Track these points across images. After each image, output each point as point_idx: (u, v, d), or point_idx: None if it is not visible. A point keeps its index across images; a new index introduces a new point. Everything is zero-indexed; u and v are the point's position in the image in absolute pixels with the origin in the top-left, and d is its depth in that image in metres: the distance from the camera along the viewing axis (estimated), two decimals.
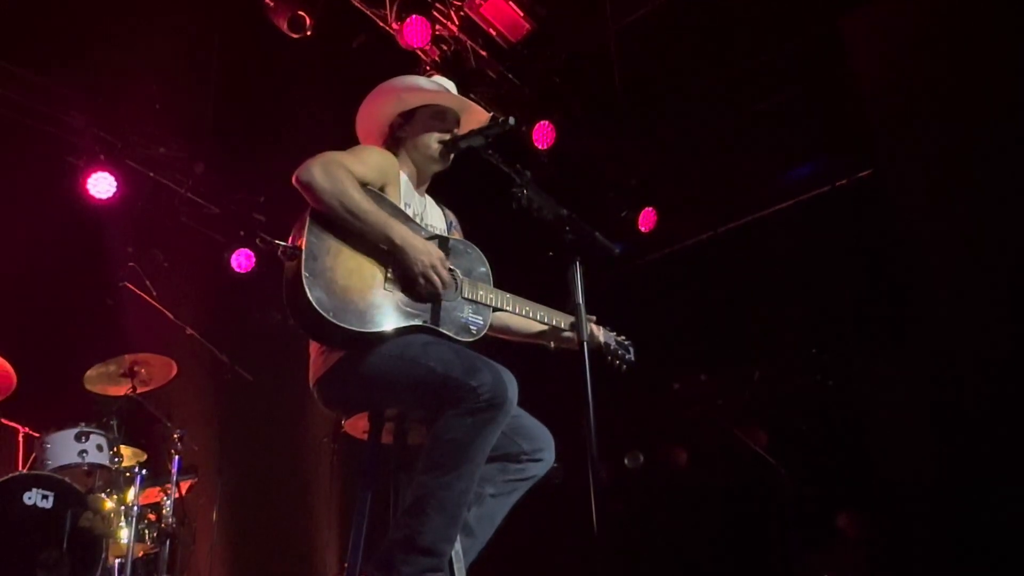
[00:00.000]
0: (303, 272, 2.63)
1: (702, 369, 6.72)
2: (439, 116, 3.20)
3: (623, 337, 3.51)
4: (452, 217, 3.35)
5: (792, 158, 6.78)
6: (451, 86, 3.27)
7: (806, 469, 5.83)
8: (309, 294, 2.60)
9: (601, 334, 3.41)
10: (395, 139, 3.21)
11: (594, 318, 3.31)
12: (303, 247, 2.67)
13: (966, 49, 4.90)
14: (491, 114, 3.23)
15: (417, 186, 3.19)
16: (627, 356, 3.47)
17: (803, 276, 6.47)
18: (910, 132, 5.17)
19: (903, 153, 5.28)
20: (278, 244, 2.75)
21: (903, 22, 5.22)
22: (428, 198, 3.26)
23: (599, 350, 3.37)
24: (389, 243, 2.77)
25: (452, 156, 3.20)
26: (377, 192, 2.90)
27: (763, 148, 6.67)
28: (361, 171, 2.84)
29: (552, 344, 3.34)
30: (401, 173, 3.09)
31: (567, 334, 3.28)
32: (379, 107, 3.21)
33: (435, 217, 3.24)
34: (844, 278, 6.30)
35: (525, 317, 3.20)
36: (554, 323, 3.26)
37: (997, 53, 4.77)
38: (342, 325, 2.64)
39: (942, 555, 4.96)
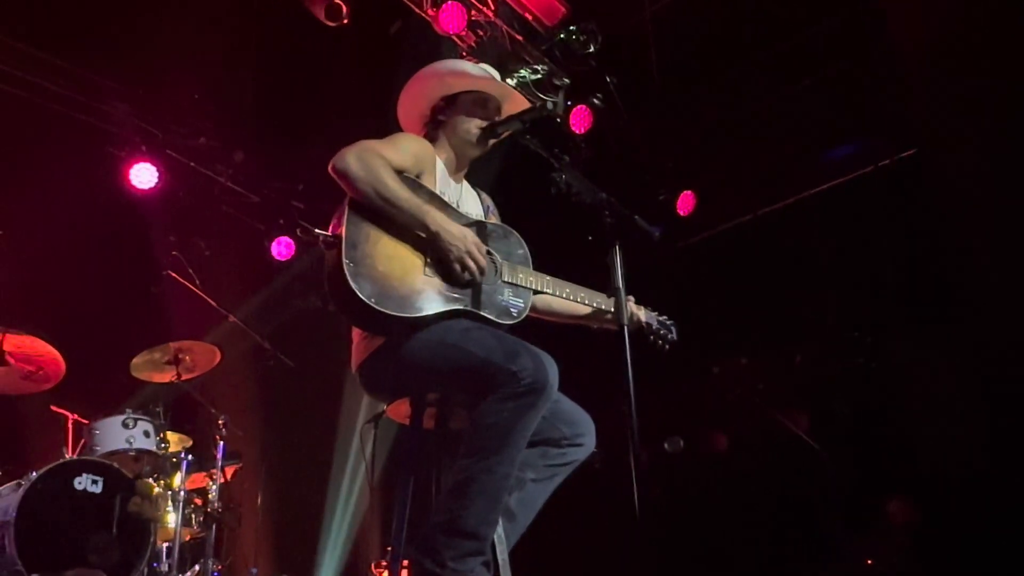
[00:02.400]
0: (343, 260, 2.64)
1: (742, 353, 6.67)
2: (481, 103, 3.19)
3: (664, 316, 3.50)
4: (489, 201, 3.35)
5: (834, 138, 6.67)
6: (495, 75, 3.26)
7: (848, 453, 5.77)
8: (350, 281, 2.62)
9: (643, 314, 3.41)
10: (436, 122, 3.21)
11: (632, 299, 3.30)
12: (342, 235, 2.68)
13: (1014, 24, 4.78)
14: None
15: (454, 173, 3.19)
16: (669, 336, 3.47)
17: (845, 258, 6.38)
18: (955, 110, 5.06)
19: (948, 132, 5.17)
20: (318, 233, 2.78)
21: None
22: (465, 184, 3.26)
23: (640, 330, 3.37)
24: (425, 230, 2.78)
25: (491, 141, 3.19)
26: (413, 179, 2.90)
27: (803, 128, 6.56)
28: (397, 159, 2.84)
29: (595, 325, 3.36)
30: (438, 160, 3.09)
31: (609, 316, 3.27)
32: (423, 89, 3.21)
33: (471, 203, 3.24)
34: (887, 260, 6.20)
35: (565, 299, 3.20)
36: (595, 304, 3.26)
37: None
38: (383, 311, 2.65)
39: (986, 543, 4.89)
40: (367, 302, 2.63)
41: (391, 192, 2.73)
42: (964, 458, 5.22)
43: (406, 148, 2.94)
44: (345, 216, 2.73)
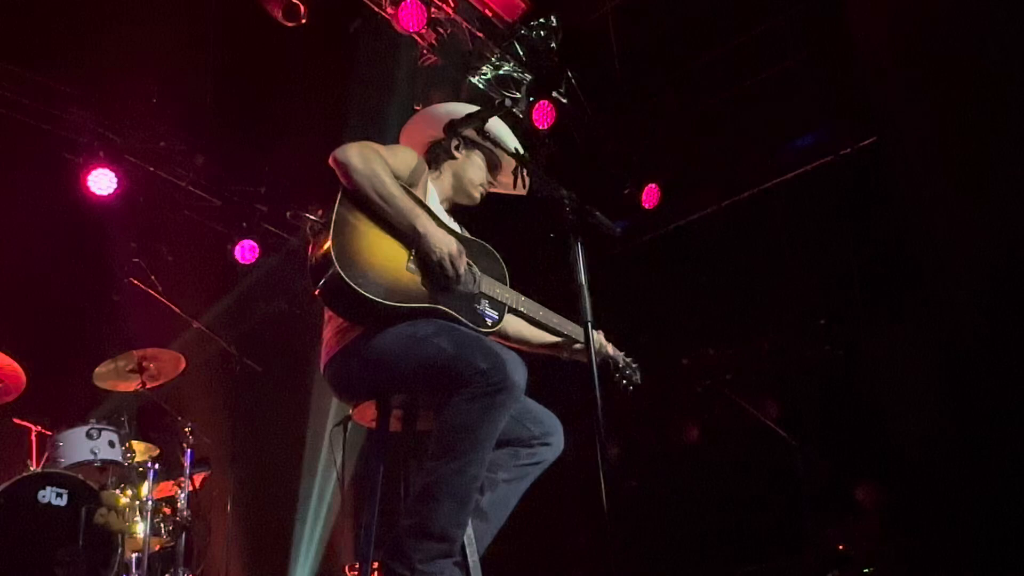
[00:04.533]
0: (331, 242, 2.68)
1: (710, 343, 6.70)
2: (495, 164, 3.29)
3: (631, 358, 3.54)
4: (468, 235, 3.36)
5: (795, 128, 6.73)
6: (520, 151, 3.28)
7: (817, 441, 5.82)
8: (336, 262, 2.65)
9: (610, 348, 3.47)
10: (445, 149, 3.25)
11: (602, 333, 3.38)
12: (332, 221, 2.73)
13: (971, 13, 4.84)
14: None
15: (441, 200, 3.23)
16: (634, 377, 3.52)
17: (809, 247, 6.43)
18: (914, 98, 5.11)
19: (907, 120, 5.22)
20: (308, 218, 2.82)
21: None
22: (451, 218, 3.26)
23: (606, 364, 3.43)
24: (412, 230, 2.82)
25: (480, 197, 3.29)
26: (405, 186, 2.95)
27: (765, 119, 6.61)
28: (394, 163, 2.91)
29: (564, 355, 3.43)
30: (430, 183, 3.15)
31: (579, 346, 3.35)
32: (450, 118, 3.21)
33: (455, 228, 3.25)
34: (850, 248, 6.26)
35: (537, 321, 3.26)
36: (566, 331, 3.33)
37: (1004, 17, 4.70)
38: (366, 294, 2.67)
39: (956, 526, 4.95)
40: (350, 283, 2.65)
41: (386, 188, 2.80)
42: (932, 443, 5.28)
43: (404, 157, 3.02)
44: (337, 204, 2.77)
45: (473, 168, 3.26)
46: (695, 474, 6.54)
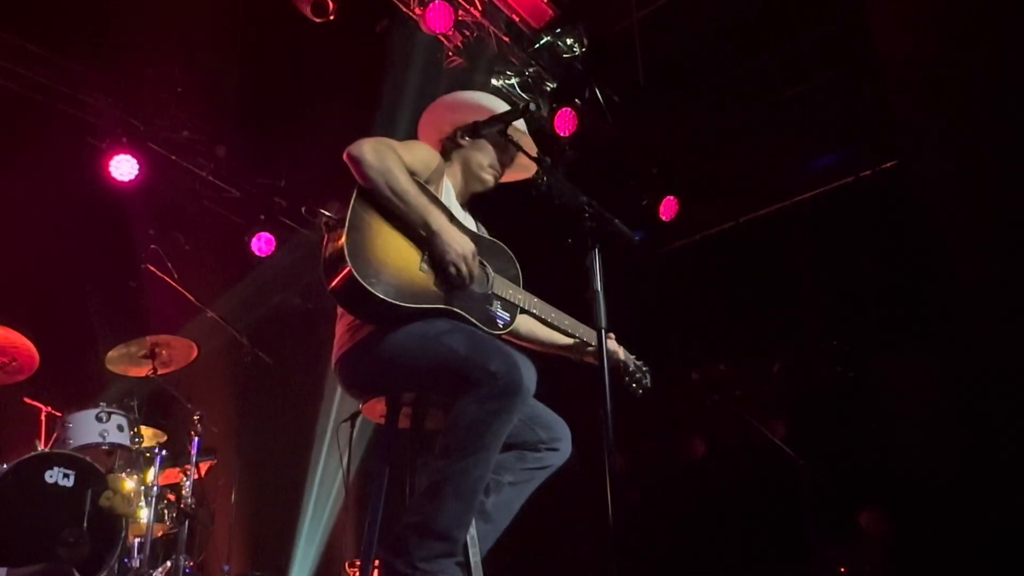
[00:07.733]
0: (344, 240, 2.68)
1: (721, 359, 6.69)
2: (504, 147, 3.26)
3: (641, 362, 3.54)
4: (485, 232, 3.36)
5: (816, 148, 6.71)
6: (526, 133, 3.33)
7: (824, 462, 5.79)
8: (349, 260, 2.65)
9: (621, 352, 3.45)
10: (454, 143, 3.26)
11: (613, 336, 3.35)
12: (347, 218, 2.73)
13: (995, 38, 4.82)
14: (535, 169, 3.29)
15: (457, 196, 3.23)
16: (644, 381, 3.51)
17: (825, 267, 6.41)
18: (936, 123, 5.10)
19: (929, 144, 5.21)
20: (323, 213, 2.82)
21: (931, 9, 5.15)
22: (468, 214, 3.27)
23: (617, 368, 3.42)
24: (426, 228, 2.82)
25: (493, 180, 3.28)
26: (421, 183, 2.94)
27: (787, 137, 6.60)
28: (409, 159, 2.89)
29: (575, 357, 3.41)
30: (446, 178, 3.14)
31: (591, 348, 3.33)
32: (457, 110, 3.26)
33: (471, 226, 3.25)
34: (867, 270, 6.24)
35: (550, 323, 3.25)
36: (578, 335, 3.32)
37: None
38: (376, 294, 2.67)
39: (961, 552, 4.92)
40: (362, 282, 2.65)
41: (400, 185, 2.78)
42: (940, 468, 5.25)
43: (419, 153, 3.00)
44: (352, 201, 2.77)
45: (480, 151, 3.24)
46: (700, 489, 6.52)
